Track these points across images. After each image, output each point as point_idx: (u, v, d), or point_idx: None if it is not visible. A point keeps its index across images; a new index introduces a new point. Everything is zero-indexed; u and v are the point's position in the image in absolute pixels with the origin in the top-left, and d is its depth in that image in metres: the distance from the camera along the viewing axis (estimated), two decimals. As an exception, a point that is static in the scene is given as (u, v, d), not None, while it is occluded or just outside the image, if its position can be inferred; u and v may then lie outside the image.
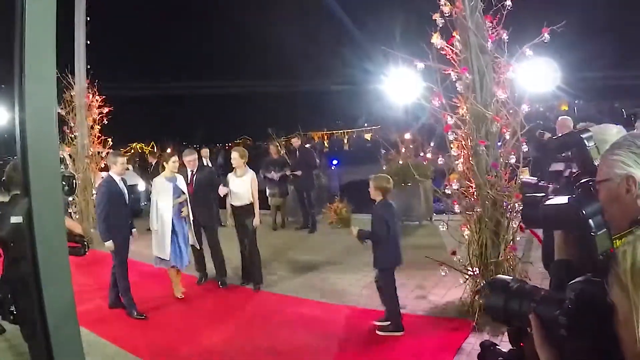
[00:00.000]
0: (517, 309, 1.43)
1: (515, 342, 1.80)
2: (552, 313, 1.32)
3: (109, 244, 6.24)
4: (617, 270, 1.03)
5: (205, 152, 12.30)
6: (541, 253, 2.47)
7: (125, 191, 6.52)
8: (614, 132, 2.31)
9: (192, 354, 5.19)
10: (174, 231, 6.71)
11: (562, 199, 1.59)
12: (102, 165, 11.58)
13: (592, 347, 1.23)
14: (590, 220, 1.44)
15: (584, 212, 1.45)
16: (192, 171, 7.49)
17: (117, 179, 6.48)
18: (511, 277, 1.51)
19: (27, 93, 1.44)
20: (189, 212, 6.97)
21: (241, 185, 7.20)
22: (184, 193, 6.96)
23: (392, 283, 5.51)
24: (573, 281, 1.33)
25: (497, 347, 1.90)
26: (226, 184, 7.31)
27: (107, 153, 11.79)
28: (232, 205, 7.33)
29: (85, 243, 3.90)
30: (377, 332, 5.44)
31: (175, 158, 6.97)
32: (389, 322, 5.43)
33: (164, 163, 7.05)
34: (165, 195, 6.75)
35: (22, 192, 1.55)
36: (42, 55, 1.51)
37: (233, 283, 7.47)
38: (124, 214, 6.50)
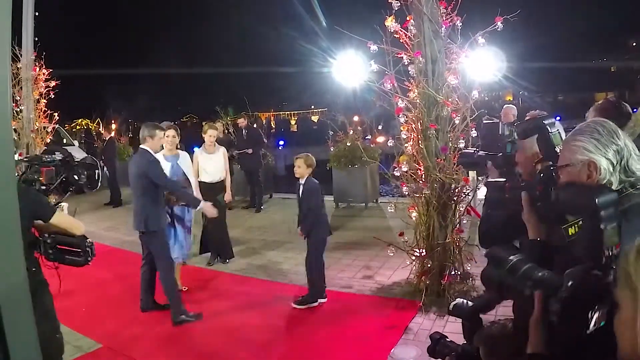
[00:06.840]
0: (513, 284, 1.41)
1: (469, 337, 1.82)
2: (546, 297, 1.31)
3: (208, 206, 5.55)
4: (627, 269, 0.99)
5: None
6: (478, 230, 2.46)
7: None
8: None
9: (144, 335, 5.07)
10: (172, 222, 5.99)
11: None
12: (48, 141, 11.13)
13: (579, 337, 1.22)
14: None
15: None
16: None
17: (160, 157, 5.59)
18: (509, 250, 1.47)
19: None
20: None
21: (214, 162, 7.17)
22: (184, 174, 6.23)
23: (321, 254, 5.68)
24: (571, 270, 1.29)
25: (447, 339, 1.92)
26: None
27: (53, 128, 11.38)
28: (201, 182, 7.04)
29: (89, 248, 2.99)
30: (293, 304, 5.58)
31: (172, 132, 6.03)
32: (307, 294, 5.63)
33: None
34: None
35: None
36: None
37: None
38: (162, 201, 5.48)
